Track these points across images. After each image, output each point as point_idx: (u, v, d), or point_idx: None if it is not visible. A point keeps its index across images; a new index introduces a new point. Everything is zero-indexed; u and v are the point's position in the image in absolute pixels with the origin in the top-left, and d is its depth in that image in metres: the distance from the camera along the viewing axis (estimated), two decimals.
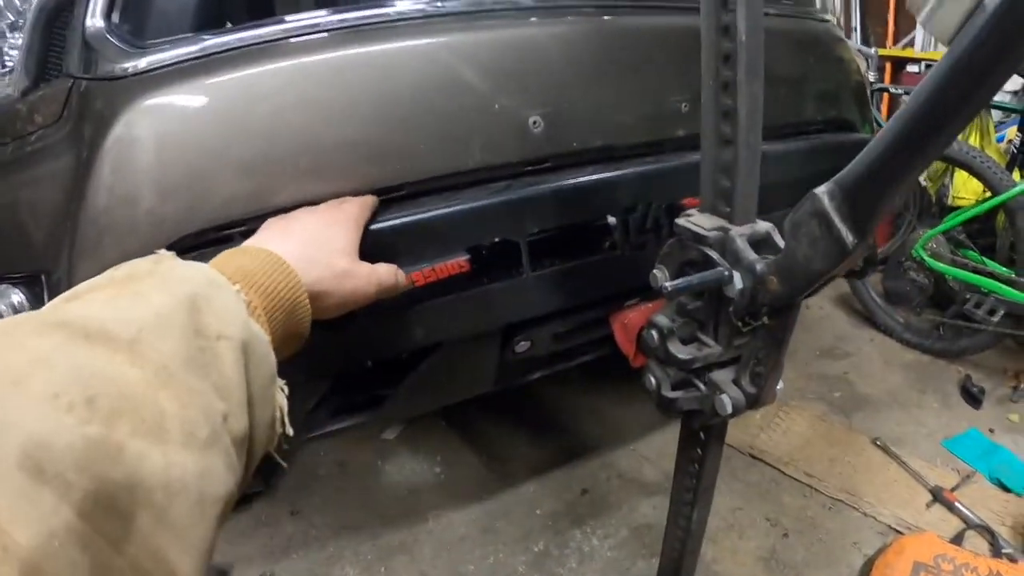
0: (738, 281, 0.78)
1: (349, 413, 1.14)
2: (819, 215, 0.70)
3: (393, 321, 0.93)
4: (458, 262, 0.99)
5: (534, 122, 1.01)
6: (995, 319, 2.37)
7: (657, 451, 2.12)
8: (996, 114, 3.03)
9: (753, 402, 0.87)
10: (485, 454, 2.17)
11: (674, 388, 0.90)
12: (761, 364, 0.85)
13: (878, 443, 2.15)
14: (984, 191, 2.51)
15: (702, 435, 1.02)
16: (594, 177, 1.03)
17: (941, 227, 2.55)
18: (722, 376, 0.88)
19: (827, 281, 0.76)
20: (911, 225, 2.68)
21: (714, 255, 0.80)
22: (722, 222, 0.83)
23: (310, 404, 1.06)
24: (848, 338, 2.79)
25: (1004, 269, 2.43)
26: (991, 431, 2.25)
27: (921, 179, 2.86)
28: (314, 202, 0.92)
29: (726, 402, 0.86)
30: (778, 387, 0.91)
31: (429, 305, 0.95)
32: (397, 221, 0.94)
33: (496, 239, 0.96)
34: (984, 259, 2.50)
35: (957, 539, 1.77)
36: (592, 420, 2.29)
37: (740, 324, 0.83)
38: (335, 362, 0.97)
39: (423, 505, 1.97)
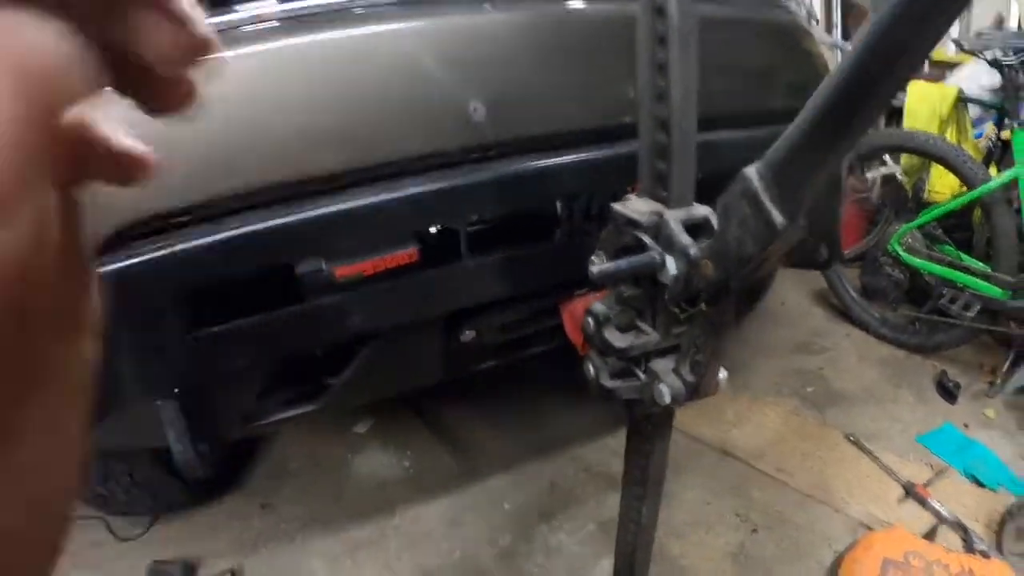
0: (671, 266, 0.77)
1: (296, 403, 1.13)
2: (748, 196, 0.69)
3: (326, 310, 0.92)
4: (407, 253, 0.98)
5: (474, 109, 0.99)
6: (970, 314, 2.37)
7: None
8: (974, 111, 3.03)
9: (692, 392, 0.86)
10: (455, 448, 2.16)
11: (613, 377, 0.89)
12: (700, 352, 0.84)
13: (851, 438, 2.14)
14: (960, 186, 2.51)
15: (648, 427, 1.00)
16: (537, 164, 1.01)
17: (917, 221, 2.54)
18: (661, 365, 0.86)
19: (762, 266, 0.74)
20: (888, 220, 2.68)
21: (647, 239, 0.78)
22: (659, 206, 0.82)
23: (255, 392, 1.05)
24: (823, 333, 2.78)
25: (980, 264, 2.42)
26: (966, 426, 2.24)
27: (898, 174, 2.86)
28: (265, 187, 0.90)
29: (664, 391, 0.84)
30: (721, 376, 0.90)
31: (365, 292, 0.93)
32: (336, 208, 0.93)
33: (434, 226, 0.94)
34: (960, 254, 2.50)
35: (929, 535, 1.75)
36: (561, 414, 2.27)
37: (677, 311, 0.82)
38: (274, 350, 0.96)
39: (391, 499, 1.95)
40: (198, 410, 1.03)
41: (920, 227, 2.56)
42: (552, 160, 1.03)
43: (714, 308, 0.80)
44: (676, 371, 0.86)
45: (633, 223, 0.80)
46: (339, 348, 1.14)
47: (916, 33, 0.53)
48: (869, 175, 3.03)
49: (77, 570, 1.78)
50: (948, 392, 2.38)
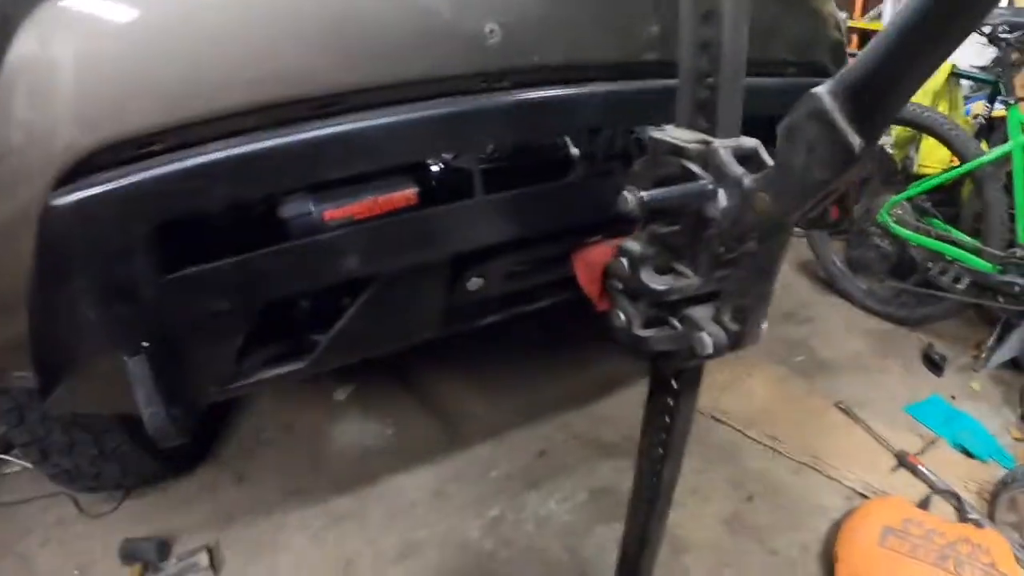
0: (722, 198, 0.69)
1: (281, 360, 1.02)
2: (819, 116, 0.61)
3: (315, 249, 0.81)
4: (405, 194, 0.88)
5: (490, 31, 0.89)
6: (960, 286, 2.36)
7: (616, 412, 2.05)
8: (966, 87, 3.00)
9: (736, 341, 0.78)
10: (438, 415, 2.08)
11: (646, 326, 0.81)
12: (744, 297, 0.76)
13: (841, 406, 2.12)
14: (951, 159, 2.48)
15: (674, 382, 0.93)
16: (555, 93, 0.91)
17: (908, 192, 2.51)
18: (701, 312, 0.78)
19: (828, 197, 0.66)
20: (875, 192, 2.64)
21: (696, 168, 0.70)
22: (703, 136, 0.73)
23: (236, 347, 0.95)
24: (810, 304, 2.76)
25: (969, 238, 2.41)
26: (953, 398, 2.23)
27: (887, 146, 2.83)
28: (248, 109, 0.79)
29: (706, 340, 0.76)
30: (763, 326, 0.82)
31: (360, 230, 0.83)
32: (330, 131, 0.82)
33: (444, 157, 0.84)
34: (949, 228, 2.48)
35: (923, 504, 1.73)
36: (549, 381, 2.20)
37: (723, 251, 0.74)
38: (257, 295, 0.85)
39: (374, 469, 1.87)
40: (172, 367, 0.93)
41: (910, 199, 2.54)
42: (573, 90, 0.93)
43: (763, 247, 0.73)
44: (716, 318, 0.78)
45: (677, 151, 0.71)
46: (327, 304, 1.05)
47: None
48: None
49: (45, 550, 1.67)
50: (934, 364, 2.38)
